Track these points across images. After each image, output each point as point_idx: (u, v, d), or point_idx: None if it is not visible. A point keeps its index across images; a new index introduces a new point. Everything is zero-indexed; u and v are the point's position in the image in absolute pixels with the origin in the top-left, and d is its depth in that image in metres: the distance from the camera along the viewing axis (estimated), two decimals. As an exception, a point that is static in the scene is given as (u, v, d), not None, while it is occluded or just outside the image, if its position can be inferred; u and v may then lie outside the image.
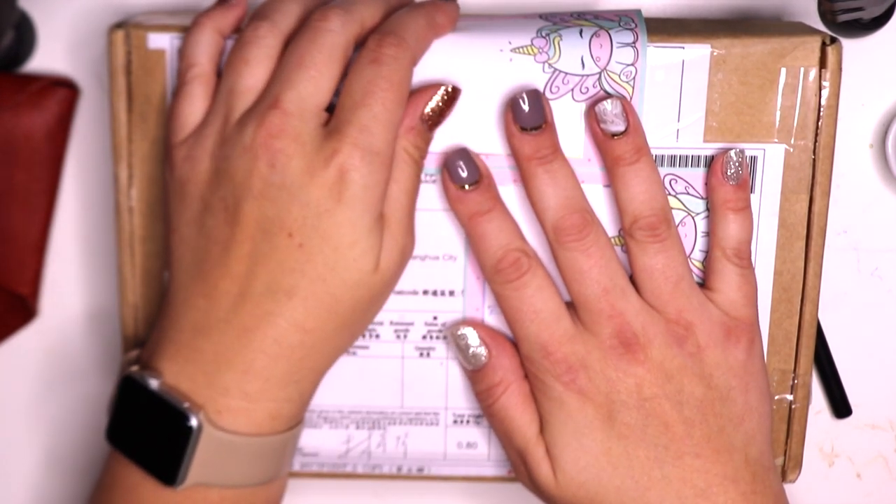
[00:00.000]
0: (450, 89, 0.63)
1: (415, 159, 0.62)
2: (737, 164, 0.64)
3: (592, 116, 0.63)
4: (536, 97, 0.63)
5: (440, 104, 0.63)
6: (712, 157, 0.64)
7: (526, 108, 0.63)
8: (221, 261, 0.60)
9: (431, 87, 0.63)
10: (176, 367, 0.61)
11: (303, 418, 0.64)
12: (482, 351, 0.66)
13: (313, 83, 0.60)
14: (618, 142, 0.63)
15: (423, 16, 0.62)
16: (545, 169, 0.63)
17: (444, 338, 0.68)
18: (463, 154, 0.64)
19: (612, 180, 0.64)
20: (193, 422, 0.60)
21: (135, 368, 0.62)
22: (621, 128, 0.63)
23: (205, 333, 0.61)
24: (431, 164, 0.65)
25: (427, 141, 0.63)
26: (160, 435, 0.61)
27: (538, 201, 0.63)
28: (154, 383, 0.61)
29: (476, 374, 0.66)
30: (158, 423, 0.61)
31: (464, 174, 0.64)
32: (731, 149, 0.64)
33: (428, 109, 0.62)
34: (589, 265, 0.63)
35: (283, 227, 0.59)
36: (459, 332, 0.66)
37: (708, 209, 0.65)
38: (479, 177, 0.64)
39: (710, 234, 0.65)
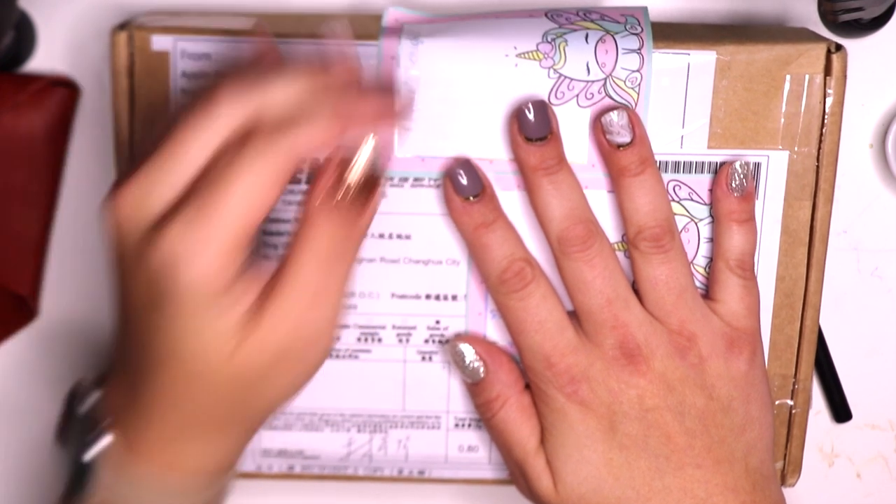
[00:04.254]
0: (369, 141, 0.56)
1: (329, 228, 0.56)
2: (742, 175, 0.64)
3: (598, 127, 0.63)
4: (542, 107, 0.63)
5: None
6: (718, 167, 0.64)
7: (531, 118, 0.63)
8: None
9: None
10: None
11: (228, 474, 0.62)
12: (479, 366, 0.66)
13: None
14: (623, 153, 0.63)
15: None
16: (550, 180, 0.63)
17: (443, 353, 0.68)
18: (465, 165, 0.64)
19: (617, 191, 0.64)
20: (105, 441, 0.59)
21: (86, 378, 0.62)
22: (627, 139, 0.63)
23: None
24: (433, 168, 0.65)
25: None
26: (82, 446, 0.60)
27: (543, 212, 0.63)
28: (92, 397, 0.61)
29: (475, 388, 0.66)
30: (84, 435, 0.60)
31: (467, 186, 0.64)
32: (736, 160, 0.64)
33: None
34: (592, 276, 0.63)
35: (134, 305, 0.56)
36: (456, 348, 0.66)
37: (712, 215, 0.65)
38: (482, 188, 0.64)
39: (713, 244, 0.65)
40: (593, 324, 0.63)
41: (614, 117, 0.63)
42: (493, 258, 0.64)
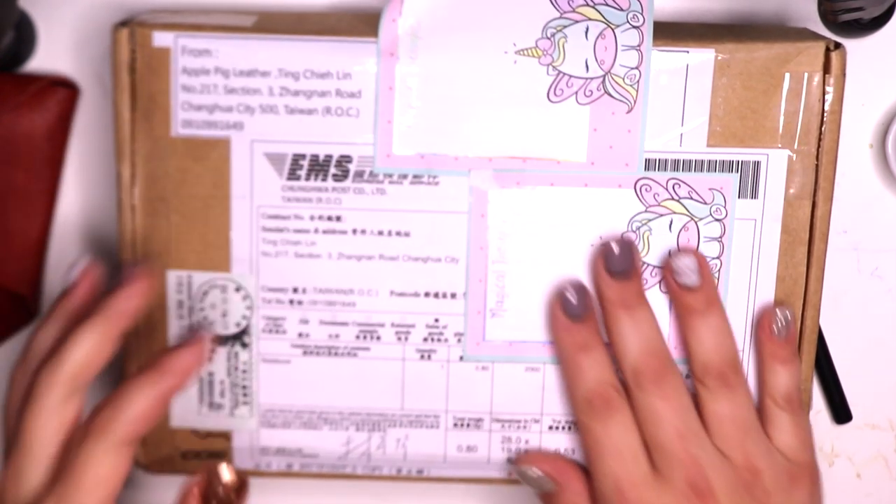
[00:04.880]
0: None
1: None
2: (785, 321, 0.66)
3: (668, 269, 0.65)
4: (628, 246, 0.65)
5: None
6: (718, 165, 0.65)
7: (617, 254, 0.65)
8: None
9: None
10: None
11: None
12: (549, 485, 0.67)
13: None
14: (692, 294, 0.65)
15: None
16: (629, 315, 0.64)
17: (511, 473, 0.69)
18: (578, 287, 0.66)
19: (682, 326, 0.65)
20: None
21: None
22: (696, 282, 0.64)
23: None
24: (433, 165, 0.65)
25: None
26: None
27: (619, 343, 0.65)
28: None
29: (546, 498, 0.68)
30: None
31: (576, 307, 0.65)
32: (778, 307, 0.66)
33: None
34: (665, 409, 0.64)
35: None
36: (523, 470, 0.68)
37: (712, 215, 0.65)
38: (589, 312, 0.66)
39: (759, 382, 0.67)
40: (664, 456, 0.64)
41: (684, 261, 0.65)
42: (584, 379, 0.65)
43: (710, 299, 0.65)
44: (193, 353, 0.63)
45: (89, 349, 0.61)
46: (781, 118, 0.64)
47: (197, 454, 0.70)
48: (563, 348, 0.66)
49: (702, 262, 0.65)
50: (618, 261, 0.65)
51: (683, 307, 0.65)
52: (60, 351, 0.61)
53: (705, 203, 0.65)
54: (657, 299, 0.67)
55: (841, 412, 0.75)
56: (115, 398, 0.61)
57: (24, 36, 0.72)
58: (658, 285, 0.66)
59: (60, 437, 0.61)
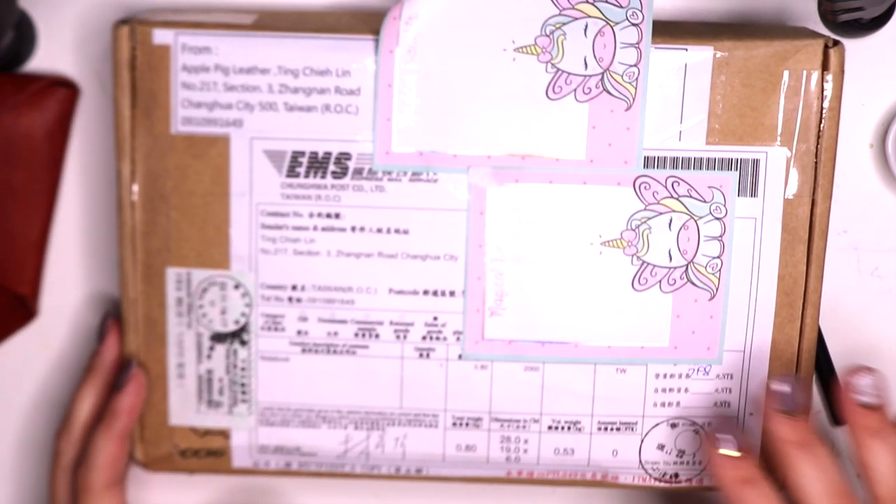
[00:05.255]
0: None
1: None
2: (874, 385, 0.66)
3: (847, 387, 0.65)
4: (798, 384, 0.65)
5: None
6: (717, 163, 0.65)
7: (789, 393, 0.65)
8: None
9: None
10: None
11: None
12: None
13: None
14: (870, 414, 0.64)
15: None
16: (809, 454, 0.64)
17: None
18: (731, 425, 0.68)
19: (858, 445, 0.65)
20: None
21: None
22: (877, 402, 0.64)
23: None
24: (432, 163, 0.65)
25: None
26: None
27: (802, 484, 0.64)
28: None
29: None
30: None
31: (731, 443, 0.66)
32: (864, 369, 0.66)
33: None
34: None
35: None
36: None
37: (711, 213, 0.65)
38: (747, 447, 0.66)
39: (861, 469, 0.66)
40: None
41: (866, 381, 0.65)
42: None
43: (887, 419, 0.65)
44: (135, 391, 0.69)
45: (90, 405, 0.70)
46: (780, 116, 0.64)
47: (195, 452, 0.70)
48: (726, 484, 0.66)
49: (884, 384, 0.65)
50: (790, 400, 0.65)
51: (861, 427, 0.65)
52: (69, 415, 0.70)
53: (705, 201, 0.65)
54: (659, 299, 0.67)
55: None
56: (85, 454, 0.69)
57: (24, 36, 0.72)
58: (659, 285, 0.66)
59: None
